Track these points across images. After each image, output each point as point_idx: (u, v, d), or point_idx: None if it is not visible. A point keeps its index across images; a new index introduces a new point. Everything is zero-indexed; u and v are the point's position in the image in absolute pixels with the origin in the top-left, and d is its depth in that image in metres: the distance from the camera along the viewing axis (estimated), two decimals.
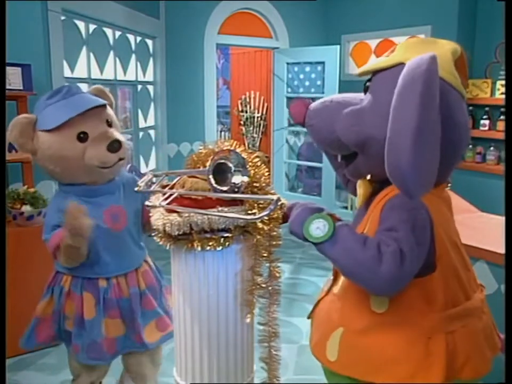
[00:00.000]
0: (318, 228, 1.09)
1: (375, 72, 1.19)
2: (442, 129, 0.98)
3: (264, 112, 6.97)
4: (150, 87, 4.80)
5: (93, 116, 1.67)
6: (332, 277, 1.37)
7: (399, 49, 1.16)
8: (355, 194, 1.40)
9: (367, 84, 1.21)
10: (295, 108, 1.30)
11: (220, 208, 1.62)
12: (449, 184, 1.28)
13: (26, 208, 2.46)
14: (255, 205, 1.64)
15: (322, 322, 1.32)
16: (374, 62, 1.19)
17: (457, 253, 1.21)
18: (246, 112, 7.13)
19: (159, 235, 1.72)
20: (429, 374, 1.12)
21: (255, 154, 1.74)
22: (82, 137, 1.65)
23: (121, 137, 1.72)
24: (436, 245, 1.13)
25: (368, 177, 1.26)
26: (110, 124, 1.74)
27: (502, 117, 4.36)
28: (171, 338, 1.84)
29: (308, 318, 1.44)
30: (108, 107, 1.78)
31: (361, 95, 1.22)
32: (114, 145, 1.66)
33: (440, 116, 0.97)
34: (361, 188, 1.26)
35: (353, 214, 1.38)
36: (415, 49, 1.13)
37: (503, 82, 4.23)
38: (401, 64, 1.10)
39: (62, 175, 1.72)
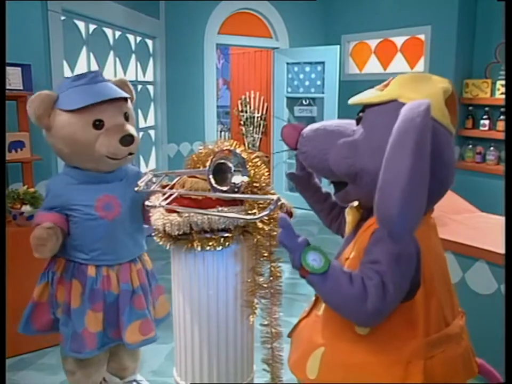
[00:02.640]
0: (315, 260, 1.12)
1: (368, 105, 1.20)
2: (431, 168, 0.99)
3: (264, 112, 6.97)
4: (150, 87, 4.80)
5: (112, 106, 1.70)
6: (314, 297, 1.38)
7: (393, 84, 1.17)
8: (338, 233, 1.45)
9: (360, 114, 1.22)
10: (286, 133, 1.33)
11: (220, 208, 1.63)
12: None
13: (26, 208, 2.46)
14: (255, 205, 1.64)
15: (303, 341, 1.32)
16: (367, 96, 1.20)
17: (442, 279, 1.23)
18: (246, 112, 7.13)
19: (159, 235, 1.72)
20: None
21: (255, 154, 1.74)
22: (98, 124, 1.67)
23: (135, 132, 1.74)
24: (421, 272, 1.14)
25: (356, 203, 1.28)
26: (127, 118, 1.77)
27: (502, 117, 4.36)
28: (150, 343, 1.84)
29: (288, 336, 1.44)
30: (129, 101, 1.82)
31: (354, 123, 1.23)
32: (127, 139, 1.69)
33: (430, 156, 0.99)
34: (349, 215, 1.28)
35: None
36: (409, 86, 1.14)
37: (503, 82, 4.23)
38: (395, 101, 1.12)
39: (69, 157, 1.75)
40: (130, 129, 1.72)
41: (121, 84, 1.87)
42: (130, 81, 4.95)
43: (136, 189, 1.77)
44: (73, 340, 1.73)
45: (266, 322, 1.72)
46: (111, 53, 4.09)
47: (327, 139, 1.22)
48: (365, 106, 1.21)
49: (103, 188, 1.75)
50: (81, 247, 1.73)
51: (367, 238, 1.16)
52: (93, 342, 1.72)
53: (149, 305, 1.85)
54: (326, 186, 1.45)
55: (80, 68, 3.68)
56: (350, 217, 1.27)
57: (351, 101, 1.24)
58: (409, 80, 1.16)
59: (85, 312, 1.72)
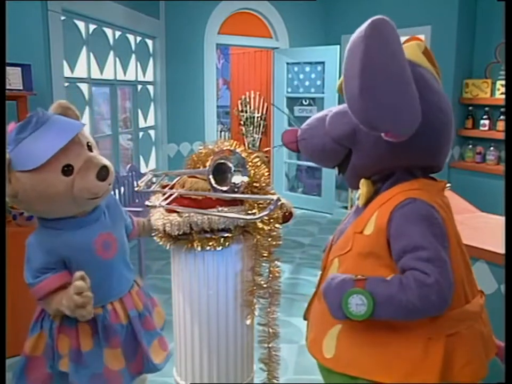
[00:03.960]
0: (358, 304, 1.12)
1: None
2: (418, 91, 1.15)
3: (264, 112, 6.97)
4: (150, 87, 4.80)
5: (72, 143, 1.49)
6: (321, 272, 1.38)
7: None
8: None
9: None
10: (286, 136, 1.45)
11: (219, 208, 1.63)
12: (448, 185, 1.31)
13: None
14: (255, 205, 1.64)
15: (318, 319, 1.32)
16: None
17: (462, 255, 1.25)
18: (246, 112, 7.13)
19: (159, 235, 1.73)
20: (425, 375, 1.13)
21: (255, 154, 1.74)
22: (67, 170, 1.48)
23: (106, 161, 1.58)
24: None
25: (361, 183, 1.30)
26: (90, 148, 1.58)
27: (502, 117, 4.36)
28: (170, 358, 1.80)
29: (304, 319, 1.44)
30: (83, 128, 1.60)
31: None
32: (103, 172, 1.52)
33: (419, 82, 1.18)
34: (364, 186, 1.29)
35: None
36: None
37: (503, 82, 4.23)
38: None
39: (49, 213, 1.57)
40: (101, 159, 1.56)
41: (64, 111, 1.61)
42: (130, 81, 4.94)
43: (136, 189, 1.77)
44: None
45: (264, 322, 1.72)
46: (111, 53, 4.09)
47: (321, 120, 1.37)
48: None
49: (95, 228, 1.60)
50: None
51: (387, 215, 1.17)
52: (118, 380, 1.60)
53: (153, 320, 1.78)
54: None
55: (80, 67, 3.68)
56: (364, 188, 1.29)
57: (338, 84, 1.34)
58: None
59: (101, 352, 1.58)
